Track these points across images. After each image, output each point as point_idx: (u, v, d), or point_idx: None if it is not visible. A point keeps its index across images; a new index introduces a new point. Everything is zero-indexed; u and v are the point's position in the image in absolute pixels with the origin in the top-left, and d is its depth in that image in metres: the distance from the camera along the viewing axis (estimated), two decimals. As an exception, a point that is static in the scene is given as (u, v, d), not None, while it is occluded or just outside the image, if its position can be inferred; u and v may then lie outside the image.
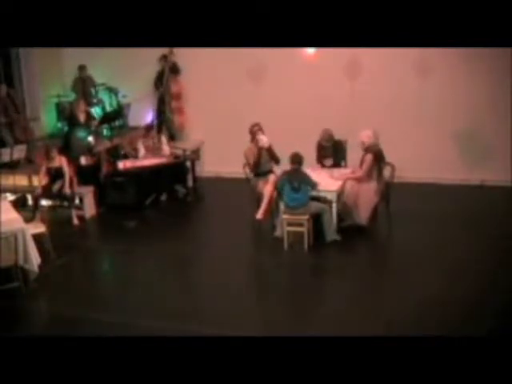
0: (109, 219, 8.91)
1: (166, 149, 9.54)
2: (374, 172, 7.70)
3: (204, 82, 10.48)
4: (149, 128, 9.79)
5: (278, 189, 7.51)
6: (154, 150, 9.44)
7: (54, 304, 6.34)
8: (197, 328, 5.45)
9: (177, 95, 10.73)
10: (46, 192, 8.61)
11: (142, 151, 9.41)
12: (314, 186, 7.32)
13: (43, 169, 8.59)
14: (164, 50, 10.36)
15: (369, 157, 7.61)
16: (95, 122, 10.28)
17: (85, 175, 9.20)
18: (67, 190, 8.52)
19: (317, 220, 7.44)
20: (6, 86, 10.08)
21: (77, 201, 8.87)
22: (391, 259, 7.07)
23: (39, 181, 8.66)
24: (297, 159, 7.33)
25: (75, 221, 8.64)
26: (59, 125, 11.23)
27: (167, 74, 10.50)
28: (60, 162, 8.59)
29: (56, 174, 8.56)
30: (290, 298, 6.27)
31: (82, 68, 10.93)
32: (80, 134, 9.78)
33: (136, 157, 9.44)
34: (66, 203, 8.77)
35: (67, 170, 8.57)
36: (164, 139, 9.76)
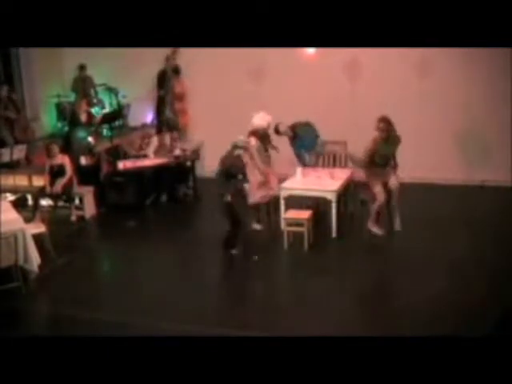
0: (109, 219, 8.90)
1: (177, 149, 9.58)
2: None
3: (204, 82, 10.46)
4: (159, 127, 9.83)
5: None
6: (166, 150, 9.48)
7: (54, 304, 6.34)
8: (197, 328, 5.45)
9: (180, 96, 10.71)
10: (47, 191, 8.61)
11: (152, 147, 9.40)
12: None
13: (47, 167, 8.60)
14: (168, 51, 10.29)
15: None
16: (95, 122, 10.28)
17: (85, 175, 9.21)
18: (68, 187, 8.54)
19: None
20: (7, 86, 10.09)
21: (77, 201, 8.87)
22: (391, 259, 7.06)
23: (44, 179, 8.66)
24: None
25: (73, 217, 8.67)
26: (59, 125, 11.24)
27: (170, 75, 10.48)
28: (63, 160, 8.60)
29: (58, 172, 8.57)
30: (290, 297, 6.26)
31: (82, 67, 10.94)
32: (80, 134, 9.79)
33: (138, 157, 9.43)
34: (66, 203, 8.79)
35: (69, 168, 8.59)
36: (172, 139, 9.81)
